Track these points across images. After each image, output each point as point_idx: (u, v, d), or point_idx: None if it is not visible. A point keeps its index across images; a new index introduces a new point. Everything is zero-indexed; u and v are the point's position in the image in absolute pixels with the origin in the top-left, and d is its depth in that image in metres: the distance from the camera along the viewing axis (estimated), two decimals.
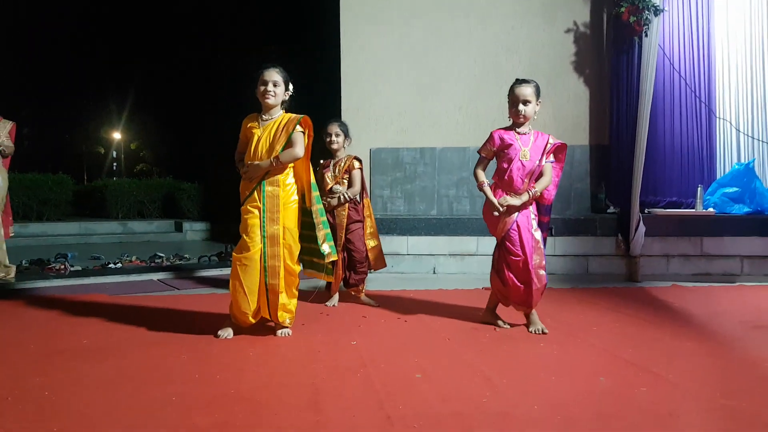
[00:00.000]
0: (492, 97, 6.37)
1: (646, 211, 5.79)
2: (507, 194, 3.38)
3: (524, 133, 3.40)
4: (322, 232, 3.46)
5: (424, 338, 3.27)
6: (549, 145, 3.38)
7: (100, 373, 2.59)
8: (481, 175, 3.50)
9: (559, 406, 2.19)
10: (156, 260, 6.72)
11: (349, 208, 4.14)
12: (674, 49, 6.21)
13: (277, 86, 3.24)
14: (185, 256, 7.03)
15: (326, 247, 3.46)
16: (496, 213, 3.37)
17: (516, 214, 3.38)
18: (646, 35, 5.73)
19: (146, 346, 3.03)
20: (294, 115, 3.27)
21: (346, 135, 4.19)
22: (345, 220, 4.13)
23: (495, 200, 3.37)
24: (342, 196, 4.09)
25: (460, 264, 5.78)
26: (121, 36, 28.10)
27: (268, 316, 3.26)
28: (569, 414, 2.12)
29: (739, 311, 4.11)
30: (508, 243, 3.39)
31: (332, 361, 2.80)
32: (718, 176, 6.24)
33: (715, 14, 6.31)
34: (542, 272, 3.37)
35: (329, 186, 4.14)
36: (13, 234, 5.31)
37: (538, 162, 3.35)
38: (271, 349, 3.03)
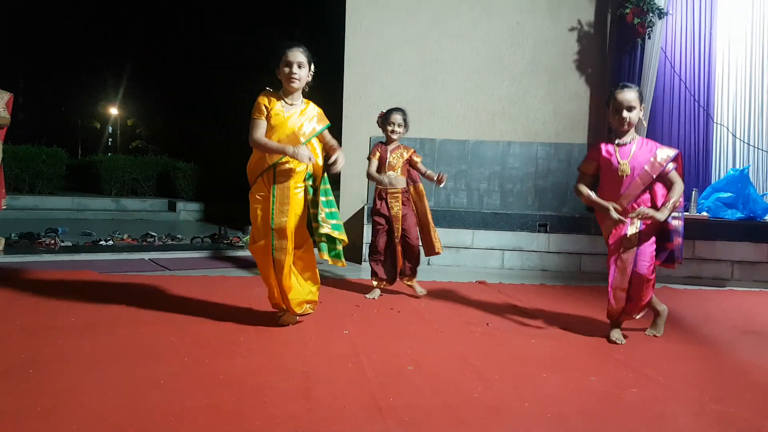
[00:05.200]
0: (494, 90, 6.36)
1: None
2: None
3: (624, 144, 3.12)
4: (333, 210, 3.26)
5: (417, 330, 3.26)
6: (663, 160, 3.07)
7: (88, 351, 2.57)
8: (584, 188, 3.22)
9: (550, 403, 2.19)
10: (148, 239, 6.69)
11: (402, 199, 4.14)
12: (676, 53, 6.21)
13: (302, 68, 3.03)
14: (178, 236, 7.01)
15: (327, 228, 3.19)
16: (614, 218, 3.07)
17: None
18: (649, 37, 5.73)
19: (135, 326, 3.01)
20: (320, 113, 3.16)
21: (406, 125, 4.17)
22: (400, 211, 4.12)
23: (606, 204, 3.09)
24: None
25: (455, 256, 5.78)
26: (121, 12, 27.81)
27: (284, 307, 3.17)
28: (559, 411, 2.12)
29: (730, 316, 4.13)
30: (616, 247, 3.12)
31: (324, 349, 2.79)
32: (713, 181, 6.26)
33: (718, 20, 6.30)
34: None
35: (390, 172, 4.09)
36: (5, 207, 5.26)
37: (642, 177, 3.07)
38: (262, 334, 3.02)
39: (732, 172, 6.00)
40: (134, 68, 28.69)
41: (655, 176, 3.08)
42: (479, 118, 6.37)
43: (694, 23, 6.20)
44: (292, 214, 3.03)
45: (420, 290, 4.23)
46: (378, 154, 4.15)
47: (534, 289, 4.75)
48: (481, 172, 6.34)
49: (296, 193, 3.08)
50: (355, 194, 6.38)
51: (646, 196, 3.15)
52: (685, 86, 6.19)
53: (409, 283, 4.25)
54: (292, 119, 3.05)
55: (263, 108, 3.03)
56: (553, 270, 5.70)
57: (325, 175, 3.25)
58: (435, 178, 4.07)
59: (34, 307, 3.35)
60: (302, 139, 3.03)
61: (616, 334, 3.18)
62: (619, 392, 2.36)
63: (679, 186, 3.11)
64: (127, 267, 4.97)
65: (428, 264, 5.80)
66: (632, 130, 3.14)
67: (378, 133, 6.28)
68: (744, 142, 6.40)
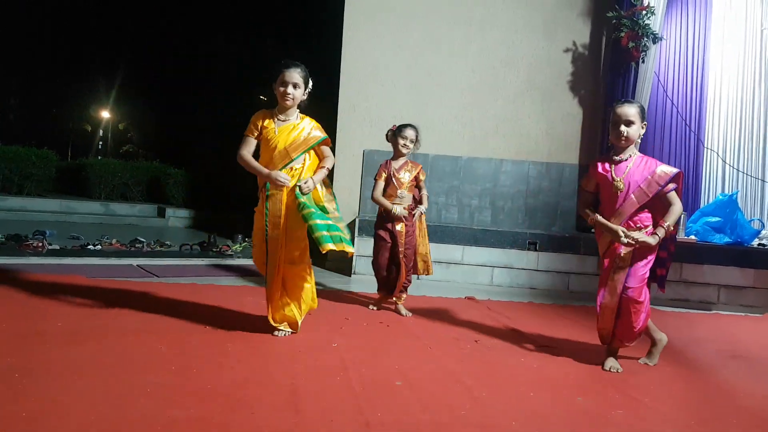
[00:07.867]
0: (488, 107, 6.41)
1: None
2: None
3: (621, 160, 3.04)
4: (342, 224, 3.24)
5: (406, 344, 3.26)
6: (660, 177, 2.97)
7: (74, 358, 2.54)
8: (589, 211, 3.11)
9: (537, 422, 2.19)
10: (136, 245, 6.64)
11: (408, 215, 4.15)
12: (669, 78, 6.30)
13: (297, 88, 3.15)
14: (167, 242, 6.96)
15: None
16: (623, 242, 2.94)
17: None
18: (643, 61, 5.80)
19: (122, 333, 2.98)
20: (315, 126, 3.23)
21: (417, 142, 4.18)
22: (404, 228, 4.11)
23: (616, 227, 2.96)
24: (418, 212, 4.14)
25: (445, 272, 5.79)
26: (114, 16, 27.78)
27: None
28: (547, 430, 2.13)
29: (716, 339, 4.16)
30: (609, 266, 3.04)
31: (313, 361, 2.78)
32: (702, 205, 6.33)
33: (711, 47, 6.41)
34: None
35: (398, 190, 4.09)
36: None
37: (637, 195, 2.98)
38: (251, 345, 3.00)
39: (721, 197, 6.08)
40: (127, 72, 28.64)
41: (651, 195, 2.97)
42: (473, 135, 6.42)
43: (688, 49, 6.30)
44: (284, 228, 3.11)
45: (405, 312, 4.11)
46: (384, 174, 4.12)
47: (522, 307, 4.76)
48: (473, 188, 6.37)
49: (292, 204, 3.10)
50: (347, 207, 6.38)
51: (645, 215, 3.03)
52: (677, 111, 6.28)
53: (396, 300, 4.15)
54: (283, 135, 3.16)
55: (255, 126, 3.20)
56: (542, 288, 5.72)
57: (324, 189, 3.27)
58: (416, 213, 4.13)
59: (20, 311, 3.31)
60: (293, 155, 3.14)
61: (610, 363, 3.07)
62: (606, 413, 2.37)
63: (676, 209, 2.99)
64: (114, 272, 4.92)
65: (417, 279, 5.80)
66: (631, 146, 3.04)
67: (371, 145, 6.34)
68: (733, 167, 6.48)
